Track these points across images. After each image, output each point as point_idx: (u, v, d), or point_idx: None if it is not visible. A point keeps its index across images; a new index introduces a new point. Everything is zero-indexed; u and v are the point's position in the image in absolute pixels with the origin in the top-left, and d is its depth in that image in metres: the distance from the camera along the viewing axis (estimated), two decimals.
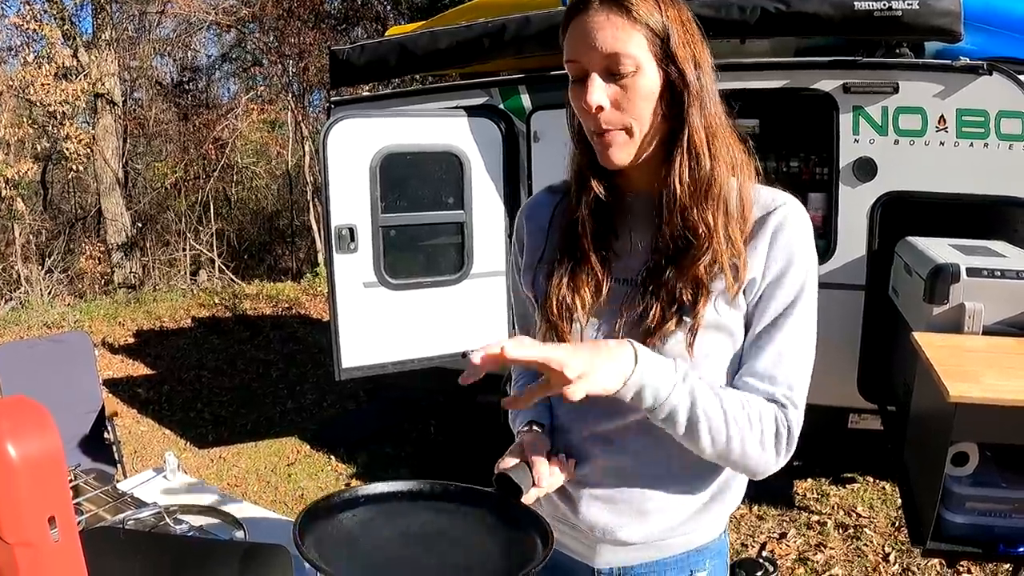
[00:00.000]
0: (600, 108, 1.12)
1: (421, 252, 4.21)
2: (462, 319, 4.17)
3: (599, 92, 1.11)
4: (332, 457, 5.00)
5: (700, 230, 1.15)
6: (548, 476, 1.22)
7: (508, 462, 1.23)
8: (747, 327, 1.21)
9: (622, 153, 1.15)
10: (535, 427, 1.32)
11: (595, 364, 1.04)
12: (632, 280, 1.22)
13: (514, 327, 1.51)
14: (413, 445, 5.04)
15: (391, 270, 4.01)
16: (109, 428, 3.90)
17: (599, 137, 1.15)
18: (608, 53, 1.09)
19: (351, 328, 3.89)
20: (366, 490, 1.18)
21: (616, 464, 1.28)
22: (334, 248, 3.79)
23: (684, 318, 1.16)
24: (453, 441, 5.05)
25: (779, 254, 1.18)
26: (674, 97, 1.13)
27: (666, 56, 1.11)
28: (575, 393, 1.02)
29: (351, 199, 3.82)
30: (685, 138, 1.14)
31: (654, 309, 1.17)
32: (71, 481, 1.59)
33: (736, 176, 1.18)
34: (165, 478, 1.81)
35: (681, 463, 1.27)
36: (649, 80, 1.11)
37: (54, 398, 3.69)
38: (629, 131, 1.14)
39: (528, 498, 1.20)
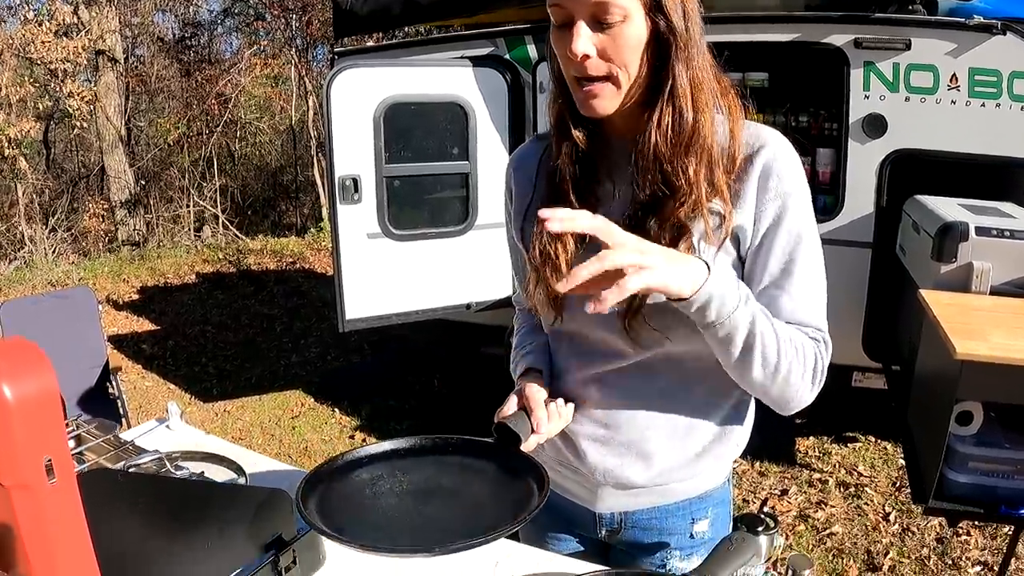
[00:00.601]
0: (586, 57, 1.08)
1: (425, 203, 4.16)
2: (466, 271, 4.13)
3: (585, 40, 1.07)
4: (336, 410, 5.03)
5: (679, 182, 1.12)
6: (547, 422, 1.22)
7: (507, 410, 1.24)
8: (750, 275, 1.19)
9: (606, 103, 1.12)
10: (533, 373, 1.32)
11: (667, 258, 1.01)
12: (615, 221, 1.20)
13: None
14: (417, 398, 5.06)
15: (395, 221, 3.98)
16: (113, 382, 3.92)
17: (583, 86, 1.11)
18: (596, 1, 1.05)
19: (355, 279, 3.87)
20: (366, 451, 1.19)
21: (614, 407, 1.28)
22: (338, 199, 3.76)
23: None
24: (457, 393, 5.07)
25: (771, 198, 1.15)
26: (661, 47, 1.09)
27: (655, 5, 1.07)
28: (631, 284, 0.96)
29: (355, 150, 3.78)
30: (668, 89, 1.10)
31: None
32: (72, 431, 1.58)
33: (726, 118, 1.15)
34: (168, 428, 1.80)
35: (678, 406, 1.27)
36: (636, 29, 1.07)
37: (58, 353, 3.65)
38: (614, 81, 1.10)
39: (528, 445, 1.21)
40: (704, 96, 1.12)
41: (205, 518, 1.06)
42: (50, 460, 0.82)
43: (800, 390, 1.16)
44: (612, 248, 0.98)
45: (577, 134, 1.18)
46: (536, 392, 1.25)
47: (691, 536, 1.38)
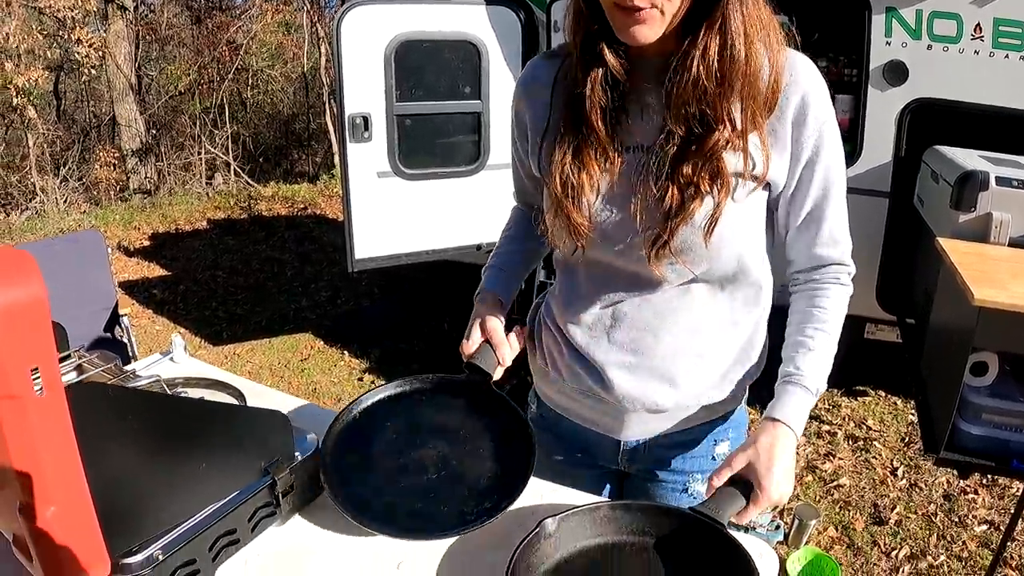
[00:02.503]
0: None
1: (436, 142, 4.09)
2: (476, 211, 4.08)
3: None
4: (345, 352, 5.04)
5: (720, 118, 1.09)
6: (510, 353, 1.34)
7: (471, 346, 1.32)
8: (791, 203, 1.22)
9: (650, 32, 1.07)
10: (493, 298, 1.40)
11: (783, 476, 1.11)
12: (643, 147, 1.16)
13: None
14: (425, 341, 5.05)
15: (405, 160, 3.93)
16: (122, 324, 3.91)
17: (628, 12, 1.05)
18: None
19: (364, 219, 3.83)
20: (356, 408, 1.28)
21: (641, 333, 1.27)
22: (348, 137, 3.71)
23: (704, 205, 1.12)
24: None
25: (809, 132, 1.15)
26: None
27: None
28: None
29: (365, 87, 3.71)
30: (719, 16, 1.05)
31: (671, 191, 1.12)
32: (74, 361, 1.56)
33: (767, 50, 1.11)
34: (172, 360, 1.79)
35: (703, 330, 1.27)
36: None
37: (69, 296, 3.69)
38: (661, 9, 1.05)
39: (497, 375, 1.32)
40: (755, 26, 1.08)
41: (200, 438, 1.03)
42: (37, 369, 0.80)
43: None
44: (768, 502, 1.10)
45: (612, 60, 1.12)
46: (497, 326, 1.34)
47: (713, 458, 1.40)
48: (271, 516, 1.13)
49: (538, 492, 1.25)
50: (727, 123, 1.09)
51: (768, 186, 1.19)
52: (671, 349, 1.27)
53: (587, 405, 1.38)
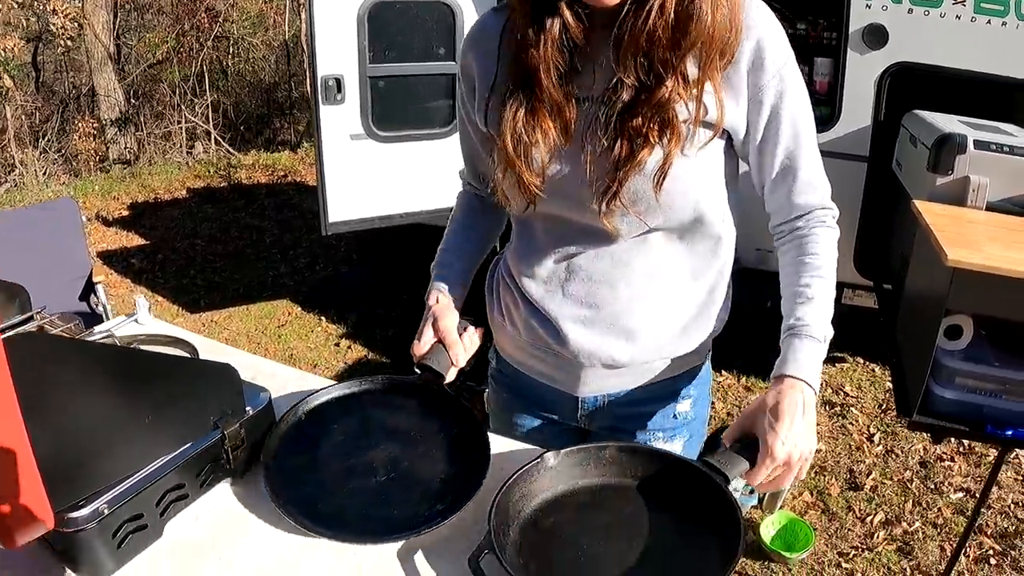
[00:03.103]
0: None
1: (410, 104, 4.02)
2: (451, 173, 3.95)
3: None
4: (323, 318, 5.02)
5: (672, 71, 1.06)
6: (464, 355, 1.28)
7: (423, 346, 1.28)
8: (762, 152, 1.18)
9: None
10: (444, 296, 1.34)
11: (806, 427, 1.08)
12: (593, 98, 1.12)
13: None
14: (403, 306, 5.02)
15: (379, 122, 3.86)
16: (96, 293, 3.87)
17: None
18: None
19: (338, 182, 3.78)
20: (305, 406, 1.24)
21: (596, 286, 1.25)
22: (320, 99, 3.64)
23: (653, 155, 1.09)
24: None
25: (768, 79, 1.12)
26: None
27: None
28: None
29: (338, 49, 3.64)
30: None
31: (619, 142, 1.09)
32: (36, 321, 1.53)
33: (733, 10, 1.07)
34: (137, 322, 1.76)
35: (659, 283, 1.24)
36: None
37: (43, 265, 3.64)
38: None
39: (450, 376, 1.27)
40: None
41: (146, 391, 1.00)
42: None
43: None
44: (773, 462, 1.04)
45: (571, 21, 1.08)
46: (450, 326, 1.28)
47: (674, 416, 1.38)
48: (221, 472, 1.11)
49: (500, 447, 1.24)
50: (679, 75, 1.06)
51: (727, 135, 1.16)
52: (628, 301, 1.24)
53: (543, 360, 1.36)
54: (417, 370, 1.27)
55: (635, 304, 1.24)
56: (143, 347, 1.39)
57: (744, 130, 1.16)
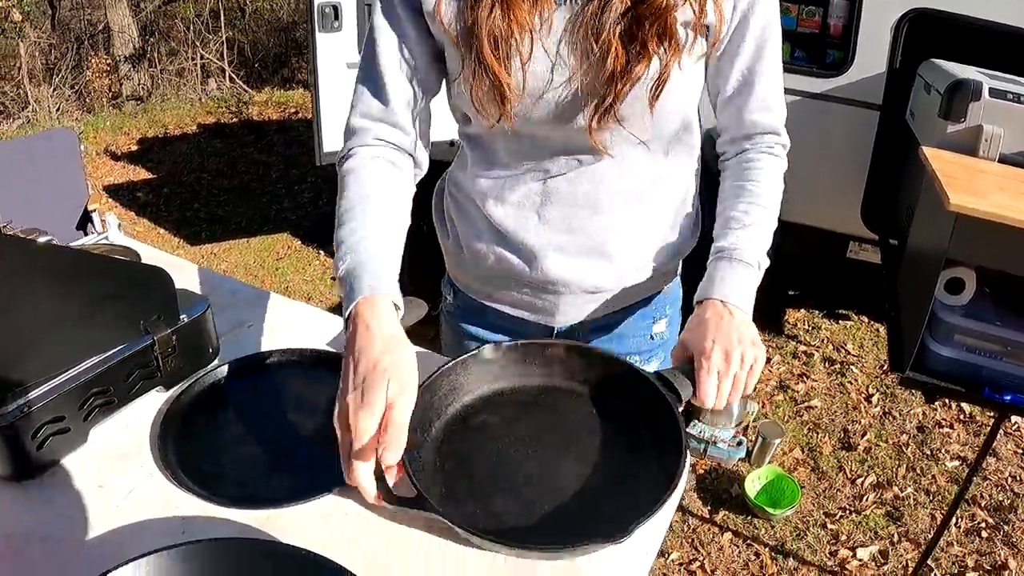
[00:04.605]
0: None
1: None
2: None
3: None
4: (321, 252, 5.01)
5: None
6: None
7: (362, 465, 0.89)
8: (724, 61, 1.11)
9: None
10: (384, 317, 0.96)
11: (744, 329, 1.02)
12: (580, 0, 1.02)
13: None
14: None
15: None
16: (93, 222, 3.83)
17: None
18: None
19: (333, 112, 3.65)
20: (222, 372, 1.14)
21: (573, 210, 1.17)
22: (316, 26, 3.52)
23: (651, 66, 1.01)
24: None
25: None
26: None
27: None
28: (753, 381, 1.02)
29: None
30: None
31: (614, 50, 0.99)
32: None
33: None
34: (107, 240, 1.73)
35: (636, 204, 1.17)
36: None
37: (42, 193, 3.60)
38: None
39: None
40: None
41: (72, 290, 0.95)
42: None
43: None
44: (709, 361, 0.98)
45: None
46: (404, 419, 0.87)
47: (651, 337, 1.34)
48: (151, 379, 1.05)
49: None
50: None
51: (707, 34, 1.08)
52: (608, 223, 1.17)
53: (513, 291, 1.27)
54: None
55: (616, 224, 1.17)
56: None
57: (717, 30, 1.08)
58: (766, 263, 1.09)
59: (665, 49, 1.00)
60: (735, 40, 1.09)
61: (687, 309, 1.14)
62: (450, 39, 1.07)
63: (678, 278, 1.35)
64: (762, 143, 1.16)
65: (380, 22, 1.11)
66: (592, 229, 1.17)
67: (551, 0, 1.02)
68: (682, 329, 1.07)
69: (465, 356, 1.01)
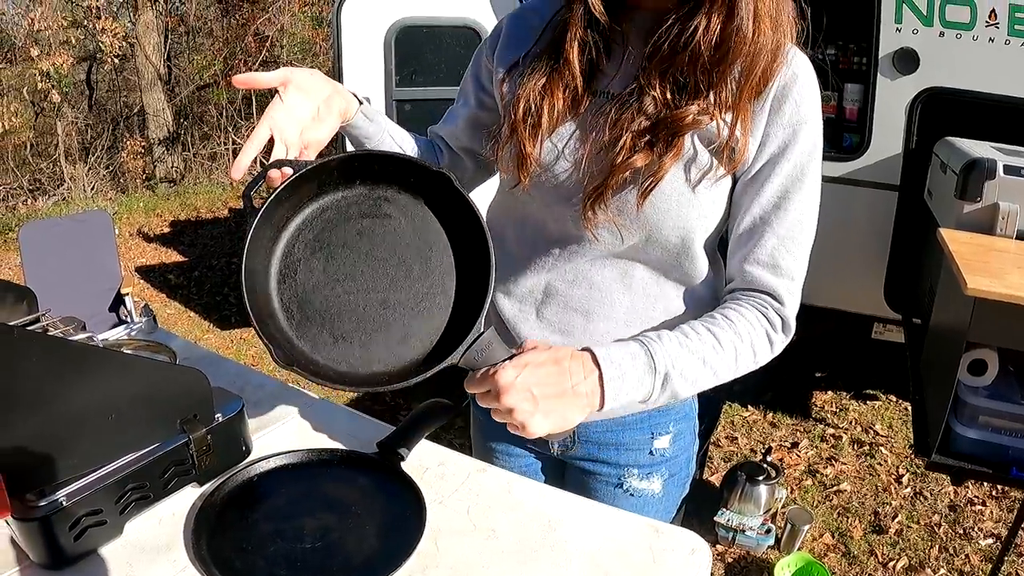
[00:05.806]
0: None
1: None
2: (479, 200, 3.94)
3: None
4: None
5: (704, 92, 1.02)
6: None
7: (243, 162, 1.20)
8: (740, 200, 1.10)
9: None
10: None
11: (545, 412, 0.95)
12: (611, 94, 1.08)
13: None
14: None
15: None
16: (126, 305, 3.91)
17: None
18: None
19: None
20: (256, 469, 1.17)
21: (569, 314, 1.20)
22: None
23: (648, 163, 1.04)
24: None
25: (783, 124, 1.05)
26: None
27: None
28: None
29: (365, 72, 3.66)
30: None
31: (624, 140, 1.04)
32: (42, 323, 1.55)
33: (775, 30, 1.01)
34: (141, 329, 1.78)
35: (636, 318, 1.18)
36: None
37: (73, 274, 3.70)
38: None
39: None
40: (767, 4, 0.99)
41: (113, 389, 0.99)
42: None
43: (755, 365, 1.10)
44: (501, 389, 0.94)
45: (596, 4, 1.06)
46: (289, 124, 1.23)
47: (650, 452, 1.30)
48: (186, 475, 1.09)
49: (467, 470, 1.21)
50: (712, 100, 1.02)
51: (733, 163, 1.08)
52: (602, 330, 1.19)
53: None
54: (377, 447, 1.18)
55: (611, 334, 1.18)
56: (126, 350, 1.38)
57: (746, 165, 1.09)
58: (676, 379, 1.01)
59: (668, 151, 1.03)
60: (757, 180, 1.08)
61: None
62: (500, 106, 1.19)
63: (692, 399, 1.32)
64: (757, 299, 1.10)
65: (469, 72, 1.31)
66: (586, 337, 1.19)
67: (587, 90, 1.10)
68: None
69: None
